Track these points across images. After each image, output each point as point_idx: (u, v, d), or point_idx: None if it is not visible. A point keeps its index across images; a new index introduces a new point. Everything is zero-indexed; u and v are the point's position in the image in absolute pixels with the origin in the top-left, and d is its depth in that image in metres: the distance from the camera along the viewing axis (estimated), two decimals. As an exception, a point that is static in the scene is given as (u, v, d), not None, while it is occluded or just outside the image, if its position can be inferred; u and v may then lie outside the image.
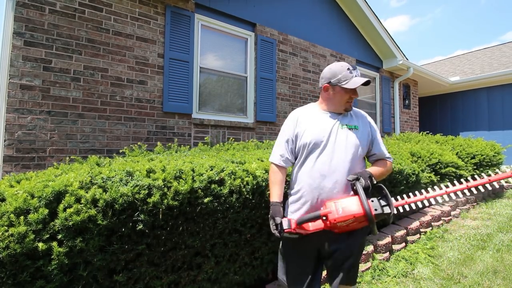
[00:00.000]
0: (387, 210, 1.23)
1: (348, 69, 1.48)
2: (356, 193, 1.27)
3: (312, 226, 1.28)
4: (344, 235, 1.39)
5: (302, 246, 1.47)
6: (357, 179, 1.28)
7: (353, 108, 1.58)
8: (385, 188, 1.31)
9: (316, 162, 1.44)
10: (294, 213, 1.48)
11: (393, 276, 2.37)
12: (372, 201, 1.24)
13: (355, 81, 1.45)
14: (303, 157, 1.48)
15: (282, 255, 1.56)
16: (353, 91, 1.50)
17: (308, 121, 1.53)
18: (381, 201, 1.26)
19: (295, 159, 1.55)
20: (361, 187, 1.23)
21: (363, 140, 1.49)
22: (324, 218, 1.25)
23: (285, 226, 1.26)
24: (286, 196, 1.57)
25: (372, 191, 1.32)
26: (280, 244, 1.58)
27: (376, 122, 6.81)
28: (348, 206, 1.23)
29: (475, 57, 11.23)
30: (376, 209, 1.20)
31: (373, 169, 1.46)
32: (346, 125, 1.49)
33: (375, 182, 1.35)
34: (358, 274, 2.34)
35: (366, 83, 1.45)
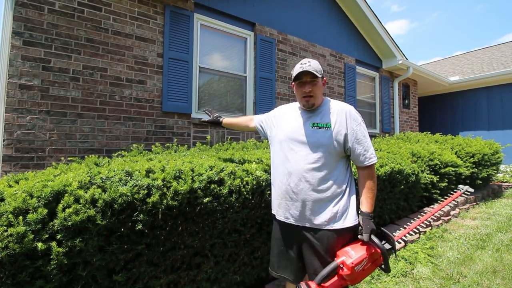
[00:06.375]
0: (387, 246, 1.36)
1: (301, 63, 1.42)
2: (356, 239, 1.37)
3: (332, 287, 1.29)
4: (314, 246, 1.40)
5: (282, 237, 1.51)
6: (372, 231, 1.32)
7: (333, 102, 1.49)
8: (382, 228, 1.39)
9: (284, 158, 1.47)
10: (274, 201, 1.55)
11: (393, 276, 2.37)
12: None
13: (295, 72, 1.41)
14: (276, 152, 1.55)
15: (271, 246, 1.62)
16: (300, 84, 1.43)
17: (285, 117, 1.57)
18: (383, 241, 1.37)
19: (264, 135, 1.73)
20: (376, 237, 1.32)
21: (332, 139, 1.38)
22: (341, 266, 1.28)
23: None
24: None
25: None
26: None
27: (375, 122, 6.78)
28: (356, 247, 1.32)
29: (475, 57, 11.23)
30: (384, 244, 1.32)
31: (365, 198, 1.40)
32: (314, 123, 1.42)
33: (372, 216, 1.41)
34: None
35: (303, 72, 1.38)
